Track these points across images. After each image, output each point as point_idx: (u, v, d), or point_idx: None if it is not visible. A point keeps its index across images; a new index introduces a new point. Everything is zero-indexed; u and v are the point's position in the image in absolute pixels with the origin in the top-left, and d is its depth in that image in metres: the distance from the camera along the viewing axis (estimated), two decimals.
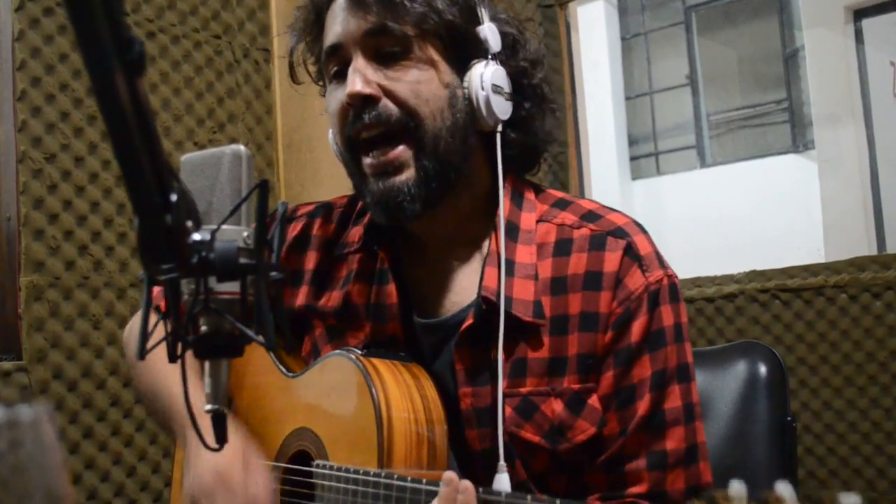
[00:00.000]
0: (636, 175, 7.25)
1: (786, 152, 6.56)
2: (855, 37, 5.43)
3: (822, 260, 2.96)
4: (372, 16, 1.24)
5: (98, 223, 2.25)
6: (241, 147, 0.86)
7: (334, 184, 2.85)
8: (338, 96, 1.29)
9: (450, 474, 1.10)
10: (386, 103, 1.25)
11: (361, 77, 1.24)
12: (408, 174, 1.25)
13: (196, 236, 0.75)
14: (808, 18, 5.89)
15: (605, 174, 6.54)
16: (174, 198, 0.71)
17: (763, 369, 1.62)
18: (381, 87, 1.25)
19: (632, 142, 7.26)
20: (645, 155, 7.34)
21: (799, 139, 6.55)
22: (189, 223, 0.74)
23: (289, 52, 1.40)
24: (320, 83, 1.41)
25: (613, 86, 6.96)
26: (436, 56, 1.27)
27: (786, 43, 6.64)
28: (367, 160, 1.27)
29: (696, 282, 2.85)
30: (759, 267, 2.80)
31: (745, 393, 1.61)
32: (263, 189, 0.80)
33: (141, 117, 0.67)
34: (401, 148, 1.25)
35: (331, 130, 1.36)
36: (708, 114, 7.11)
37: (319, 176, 2.80)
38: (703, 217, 6.31)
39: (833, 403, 2.64)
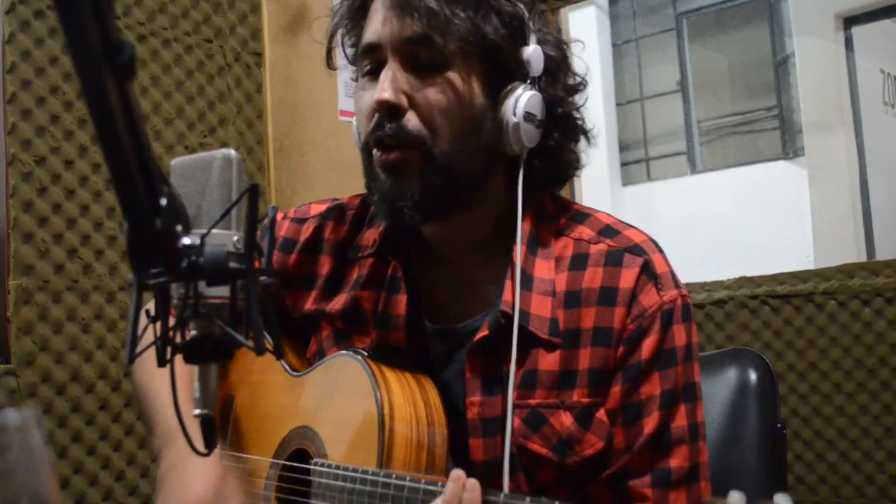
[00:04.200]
0: (627, 181, 7.27)
1: (776, 159, 6.59)
2: (845, 44, 5.46)
3: (811, 266, 2.97)
4: (416, 24, 1.20)
5: (88, 227, 2.24)
6: (232, 151, 0.85)
7: (325, 188, 2.85)
8: (366, 96, 1.26)
9: (458, 472, 1.09)
10: (410, 117, 1.22)
11: (392, 85, 1.21)
12: (413, 181, 1.23)
13: (186, 240, 0.74)
14: (798, 26, 5.92)
15: (596, 180, 6.56)
16: (164, 202, 0.71)
17: (753, 376, 1.62)
18: (409, 97, 1.22)
19: (622, 148, 7.28)
20: (636, 161, 7.36)
21: (789, 146, 6.57)
22: (179, 227, 0.74)
23: (328, 35, 1.36)
24: (354, 69, 1.37)
25: (604, 92, 6.99)
26: (473, 75, 1.24)
27: (776, 50, 6.67)
28: (378, 153, 1.24)
29: (687, 288, 2.85)
30: (749, 273, 2.82)
31: (735, 399, 1.61)
32: (254, 193, 0.79)
33: (131, 121, 0.67)
34: (411, 154, 1.22)
35: (354, 121, 1.35)
36: (698, 120, 7.13)
37: (310, 180, 2.80)
38: (693, 223, 6.33)
39: (822, 410, 2.65)
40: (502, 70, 1.26)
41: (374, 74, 1.26)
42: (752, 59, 6.82)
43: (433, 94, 1.22)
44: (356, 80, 1.35)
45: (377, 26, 1.25)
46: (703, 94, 7.11)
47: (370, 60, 1.27)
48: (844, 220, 5.37)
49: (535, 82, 1.27)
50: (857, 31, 5.43)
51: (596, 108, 6.72)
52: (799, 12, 5.94)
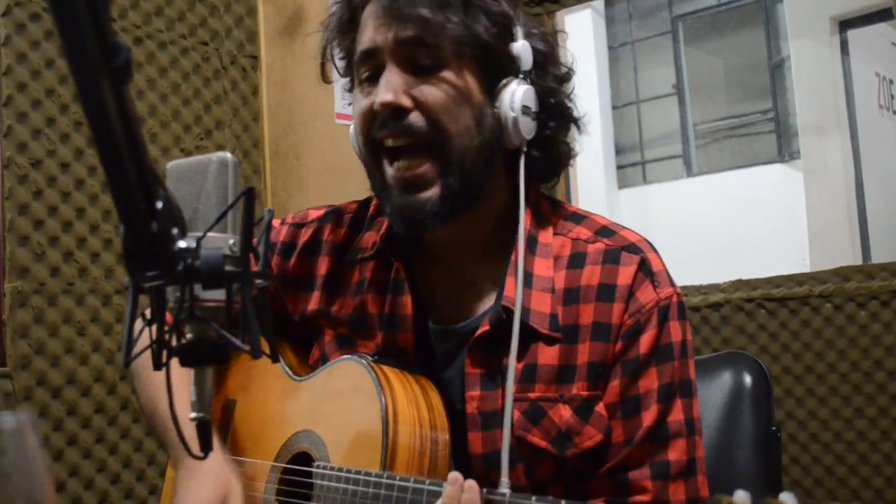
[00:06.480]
0: (623, 184, 7.27)
1: (771, 162, 6.60)
2: (840, 48, 5.47)
3: (807, 269, 2.98)
4: (410, 29, 1.24)
5: (84, 229, 2.24)
6: (228, 154, 0.85)
7: (321, 191, 2.85)
8: (366, 99, 1.30)
9: (455, 474, 1.12)
10: (416, 115, 1.25)
11: (394, 86, 1.25)
12: (432, 191, 1.26)
13: (182, 243, 0.74)
14: (794, 29, 5.93)
15: (591, 183, 6.56)
16: (160, 205, 0.71)
17: (748, 379, 1.63)
18: (412, 97, 1.25)
19: (618, 151, 7.28)
20: (631, 164, 7.36)
21: (785, 149, 6.58)
22: (175, 230, 0.74)
23: (321, 50, 1.40)
24: (348, 79, 1.41)
25: (600, 95, 7.00)
26: (469, 74, 1.28)
27: (772, 53, 6.68)
28: (391, 171, 1.28)
29: (683, 291, 2.85)
30: (745, 276, 2.82)
31: (730, 403, 1.62)
32: (249, 196, 0.79)
33: (127, 124, 0.67)
34: (427, 165, 1.26)
35: (352, 128, 1.37)
36: (694, 123, 7.14)
37: (306, 184, 2.80)
38: (689, 226, 6.33)
39: (818, 413, 2.65)
40: (495, 66, 1.30)
41: (372, 80, 1.30)
42: (747, 63, 6.83)
43: (434, 92, 1.25)
44: (350, 90, 1.39)
45: (372, 34, 1.28)
46: (699, 98, 7.12)
47: (367, 66, 1.30)
48: (840, 222, 5.38)
49: (527, 76, 1.31)
50: (853, 34, 5.44)
51: (592, 111, 6.72)
52: (794, 16, 5.95)
